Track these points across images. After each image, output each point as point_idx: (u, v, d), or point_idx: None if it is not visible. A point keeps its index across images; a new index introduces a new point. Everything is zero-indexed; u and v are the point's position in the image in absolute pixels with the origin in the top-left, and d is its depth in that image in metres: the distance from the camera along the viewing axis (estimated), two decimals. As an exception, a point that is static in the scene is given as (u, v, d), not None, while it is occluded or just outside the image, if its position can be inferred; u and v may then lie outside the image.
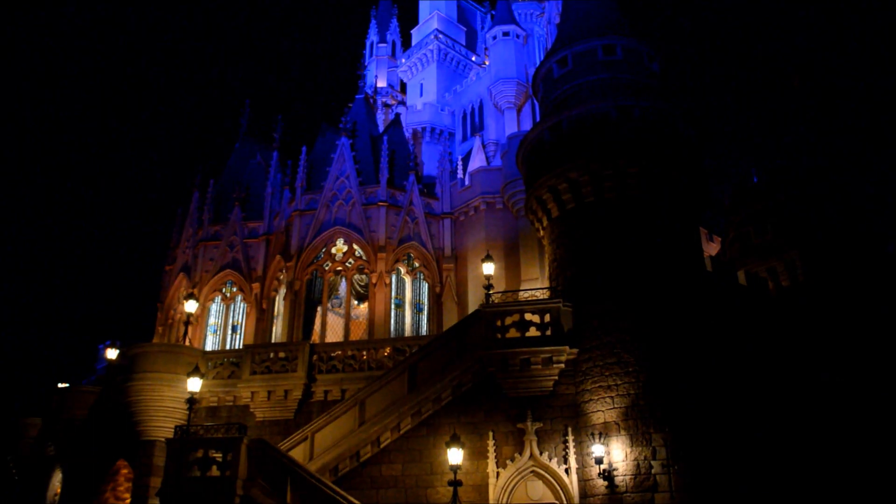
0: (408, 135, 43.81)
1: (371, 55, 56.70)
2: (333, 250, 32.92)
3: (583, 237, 24.65)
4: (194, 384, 21.66)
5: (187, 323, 26.01)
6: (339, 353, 27.03)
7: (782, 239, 32.33)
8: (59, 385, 33.31)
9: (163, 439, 24.46)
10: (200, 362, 26.83)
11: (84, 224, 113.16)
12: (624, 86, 26.49)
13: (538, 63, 36.71)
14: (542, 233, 27.32)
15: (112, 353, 32.65)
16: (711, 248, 40.33)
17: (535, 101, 34.83)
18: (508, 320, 23.36)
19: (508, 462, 22.01)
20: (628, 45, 27.56)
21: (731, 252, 34.06)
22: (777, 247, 32.31)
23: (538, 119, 32.96)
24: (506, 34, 44.76)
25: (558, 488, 21.70)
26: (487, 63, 46.73)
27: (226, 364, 27.64)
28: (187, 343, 27.93)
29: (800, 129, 38.56)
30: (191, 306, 25.94)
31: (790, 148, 36.83)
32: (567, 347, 22.74)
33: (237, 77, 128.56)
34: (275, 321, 33.44)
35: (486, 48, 47.96)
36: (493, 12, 49.76)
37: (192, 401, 21.47)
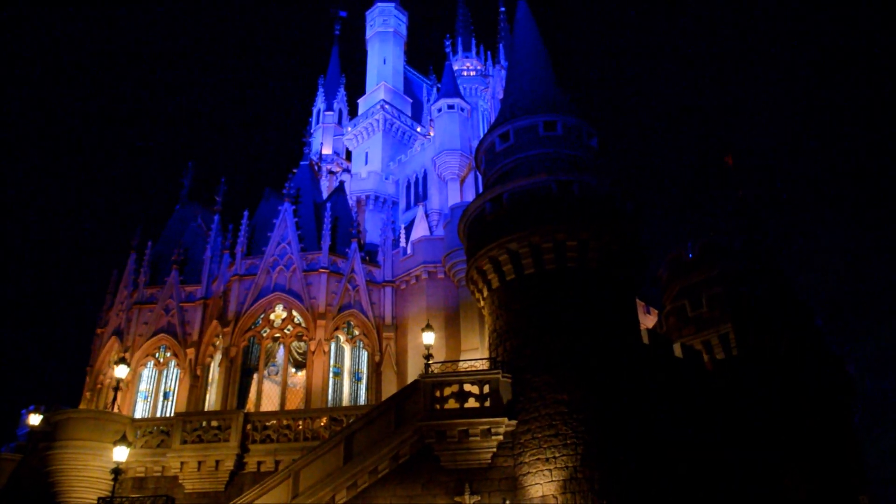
0: (352, 202, 44.00)
1: (318, 122, 57.18)
2: (272, 316, 32.47)
3: (522, 308, 24.85)
4: (120, 453, 20.94)
5: (117, 388, 25.19)
6: (275, 422, 26.44)
7: (716, 312, 33.06)
8: (-25, 452, 31.62)
9: (84, 512, 23.36)
10: (129, 430, 25.93)
11: (11, 281, 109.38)
12: (564, 161, 27.21)
13: (482, 136, 37.50)
14: (482, 303, 27.46)
15: (35, 419, 31.31)
16: (648, 321, 40.99)
17: (478, 173, 35.47)
18: (447, 391, 23.22)
19: (445, 537, 21.57)
20: (568, 122, 28.43)
21: (668, 324, 34.67)
22: (711, 320, 33.00)
23: (480, 191, 33.53)
24: (451, 107, 45.76)
25: (495, 564, 21.29)
26: (432, 134, 47.50)
27: (155, 432, 26.75)
28: (116, 410, 27.00)
29: (733, 206, 40.00)
30: (121, 371, 25.21)
31: (724, 224, 38.11)
32: (506, 419, 22.66)
33: (181, 138, 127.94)
34: (209, 388, 32.58)
35: (431, 120, 48.84)
36: (439, 85, 50.90)
37: (117, 471, 20.74)
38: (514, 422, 22.85)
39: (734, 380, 29.92)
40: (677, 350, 27.92)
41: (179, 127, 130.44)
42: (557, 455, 21.92)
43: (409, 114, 53.81)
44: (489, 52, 58.33)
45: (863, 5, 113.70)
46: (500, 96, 44.20)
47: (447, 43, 50.79)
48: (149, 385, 33.58)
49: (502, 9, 62.87)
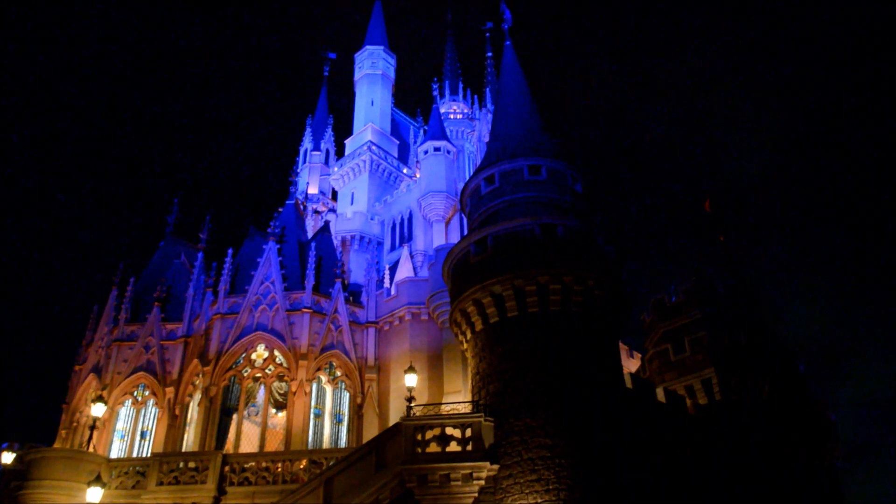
0: (337, 242, 43.98)
1: (304, 162, 57.40)
2: (253, 356, 32.15)
3: (505, 351, 24.81)
4: (94, 494, 20.60)
5: (93, 427, 24.78)
6: (253, 464, 26.04)
7: (699, 357, 33.16)
8: (-55, 492, 30.88)
9: (54, 555, 22.80)
10: (104, 470, 25.45)
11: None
12: (548, 205, 27.43)
13: (467, 178, 37.84)
14: (465, 345, 27.40)
15: (8, 457, 30.62)
16: (632, 365, 41.00)
17: (464, 216, 35.67)
18: (429, 434, 23.04)
19: (424, 584, 21.21)
20: (553, 167, 28.75)
21: (651, 369, 34.71)
22: (694, 365, 33.08)
23: (465, 233, 33.65)
24: (437, 149, 46.12)
25: None
26: (418, 176, 47.78)
27: (131, 473, 26.26)
28: (91, 449, 26.52)
29: (716, 251, 40.34)
30: (98, 410, 24.88)
31: (707, 268, 38.37)
32: (488, 463, 22.46)
33: (167, 175, 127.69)
34: (187, 428, 32.12)
35: (417, 161, 49.16)
36: (426, 127, 51.33)
37: (90, 513, 20.28)
38: (496, 466, 22.66)
39: (717, 425, 29.89)
40: (660, 394, 27.94)
41: (165, 163, 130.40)
42: (540, 501, 21.72)
43: (396, 155, 54.16)
44: (476, 96, 59.13)
45: (848, 50, 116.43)
46: (486, 139, 44.62)
47: (434, 86, 51.33)
48: (126, 424, 33.07)
49: (489, 53, 63.99)
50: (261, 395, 32.27)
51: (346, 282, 35.32)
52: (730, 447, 28.84)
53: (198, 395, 31.95)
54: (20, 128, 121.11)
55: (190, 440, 31.35)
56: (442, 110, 53.92)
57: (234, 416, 31.17)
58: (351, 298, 34.72)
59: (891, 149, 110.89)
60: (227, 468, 25.76)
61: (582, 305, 25.23)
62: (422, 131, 55.13)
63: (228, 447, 30.29)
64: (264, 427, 31.12)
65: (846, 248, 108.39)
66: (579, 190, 29.32)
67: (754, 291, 37.90)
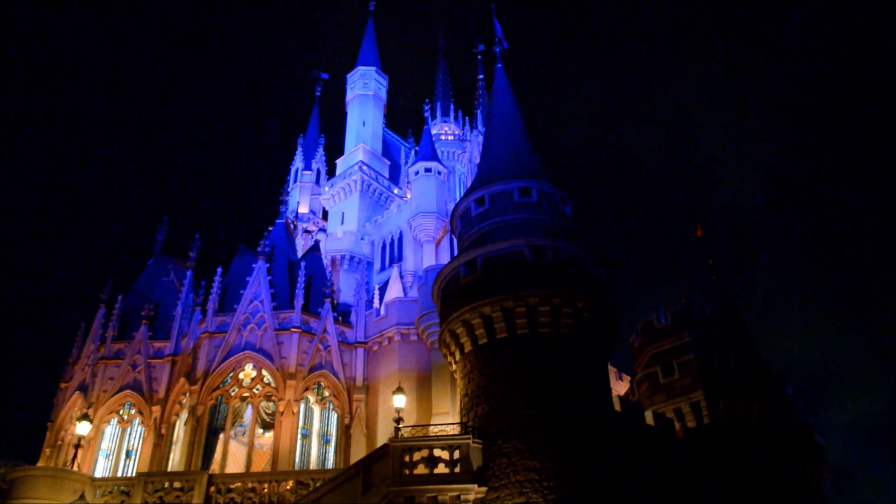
0: (327, 262, 43.95)
1: (295, 181, 57.52)
2: (241, 375, 31.99)
3: (494, 372, 24.77)
4: (78, 515, 20.31)
5: (78, 446, 24.56)
6: (239, 485, 25.88)
7: (688, 380, 33.18)
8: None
9: (36, 576, 22.54)
10: (88, 489, 25.25)
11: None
12: (538, 227, 27.53)
13: (458, 199, 37.96)
14: (454, 366, 27.34)
15: (-9, 476, 30.41)
16: (620, 387, 40.96)
17: (454, 237, 35.74)
18: (417, 456, 22.91)
19: None
20: (543, 189, 28.88)
21: (640, 391, 34.70)
22: (683, 388, 33.09)
23: (455, 254, 33.70)
24: (428, 170, 46.31)
25: None
26: (409, 196, 47.92)
27: (115, 492, 26.08)
28: (75, 468, 26.29)
29: (705, 274, 40.50)
30: (83, 428, 24.70)
31: (696, 291, 38.52)
32: (475, 486, 22.34)
33: (156, 192, 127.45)
34: (173, 447, 31.86)
35: (408, 182, 49.34)
36: (417, 148, 51.58)
37: (73, 533, 20.07)
38: (483, 488, 22.55)
39: (705, 448, 29.86)
40: (649, 417, 27.92)
41: (155, 181, 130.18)
42: (527, 523, 21.58)
43: (387, 175, 54.33)
44: (467, 118, 59.54)
45: (842, 73, 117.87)
46: (477, 161, 44.86)
47: (426, 107, 51.71)
48: (111, 443, 32.79)
49: (480, 75, 64.51)
50: (248, 414, 32.06)
51: (335, 301, 35.26)
52: (718, 470, 28.80)
53: (184, 415, 31.72)
54: (8, 145, 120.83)
55: (176, 460, 31.09)
56: (433, 131, 54.24)
57: (221, 436, 30.94)
58: (340, 318, 34.64)
59: (881, 175, 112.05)
60: (212, 489, 25.61)
61: (571, 328, 25.25)
62: (413, 152, 55.38)
63: (214, 467, 30.04)
64: (251, 447, 30.91)
65: (835, 272, 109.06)
66: (569, 212, 29.46)
67: (743, 315, 38.04)
